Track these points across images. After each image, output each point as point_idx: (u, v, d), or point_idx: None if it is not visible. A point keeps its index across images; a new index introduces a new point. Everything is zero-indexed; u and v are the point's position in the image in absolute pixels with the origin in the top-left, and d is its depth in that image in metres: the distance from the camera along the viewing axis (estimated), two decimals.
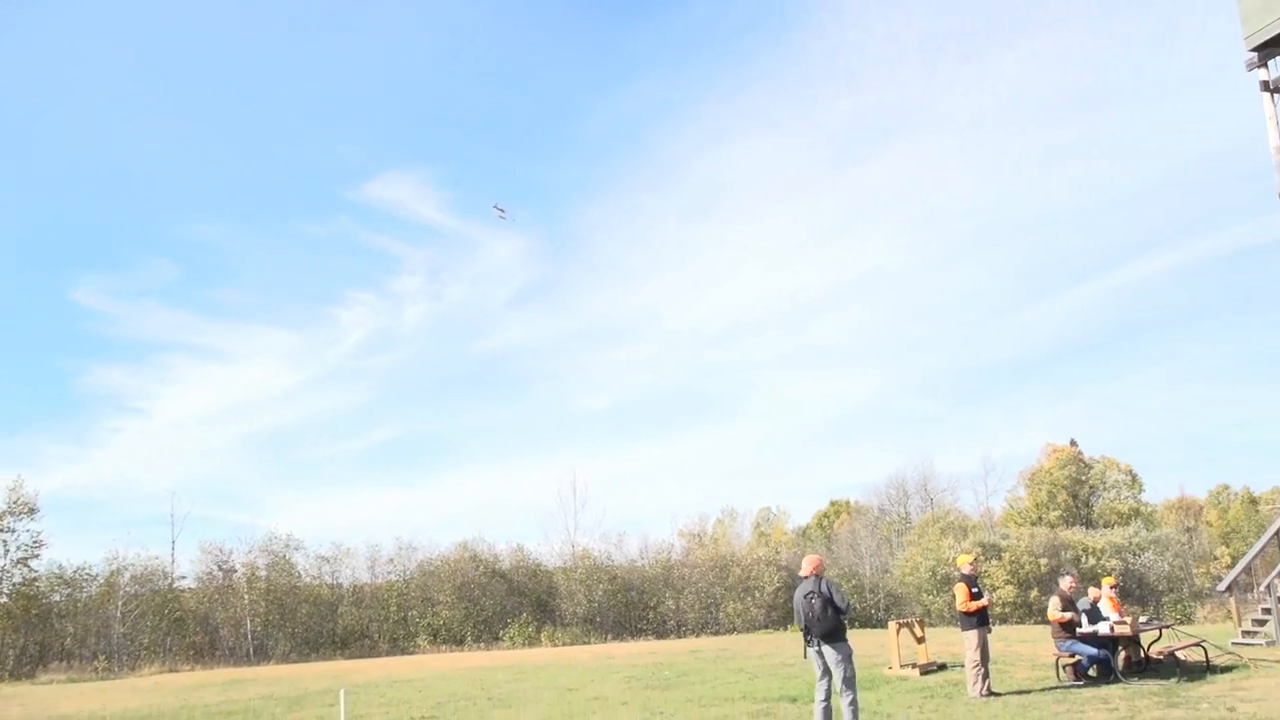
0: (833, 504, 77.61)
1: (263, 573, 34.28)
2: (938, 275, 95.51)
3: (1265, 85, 20.68)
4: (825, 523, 74.23)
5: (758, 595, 36.18)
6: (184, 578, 34.82)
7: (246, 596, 33.23)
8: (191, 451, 72.99)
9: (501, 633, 33.93)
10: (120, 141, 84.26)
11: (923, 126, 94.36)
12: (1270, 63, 20.77)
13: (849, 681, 9.45)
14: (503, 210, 37.03)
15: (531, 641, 33.06)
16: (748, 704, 13.11)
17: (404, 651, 32.53)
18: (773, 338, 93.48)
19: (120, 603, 31.72)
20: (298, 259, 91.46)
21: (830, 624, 9.51)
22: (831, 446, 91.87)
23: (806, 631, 9.69)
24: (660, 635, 34.75)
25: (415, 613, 34.64)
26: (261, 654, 32.14)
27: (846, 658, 9.52)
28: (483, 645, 32.96)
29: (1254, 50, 20.65)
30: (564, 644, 32.37)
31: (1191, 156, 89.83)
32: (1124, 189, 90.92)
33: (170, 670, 28.32)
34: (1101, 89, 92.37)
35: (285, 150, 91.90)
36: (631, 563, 38.87)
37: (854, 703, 9.42)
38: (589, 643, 32.62)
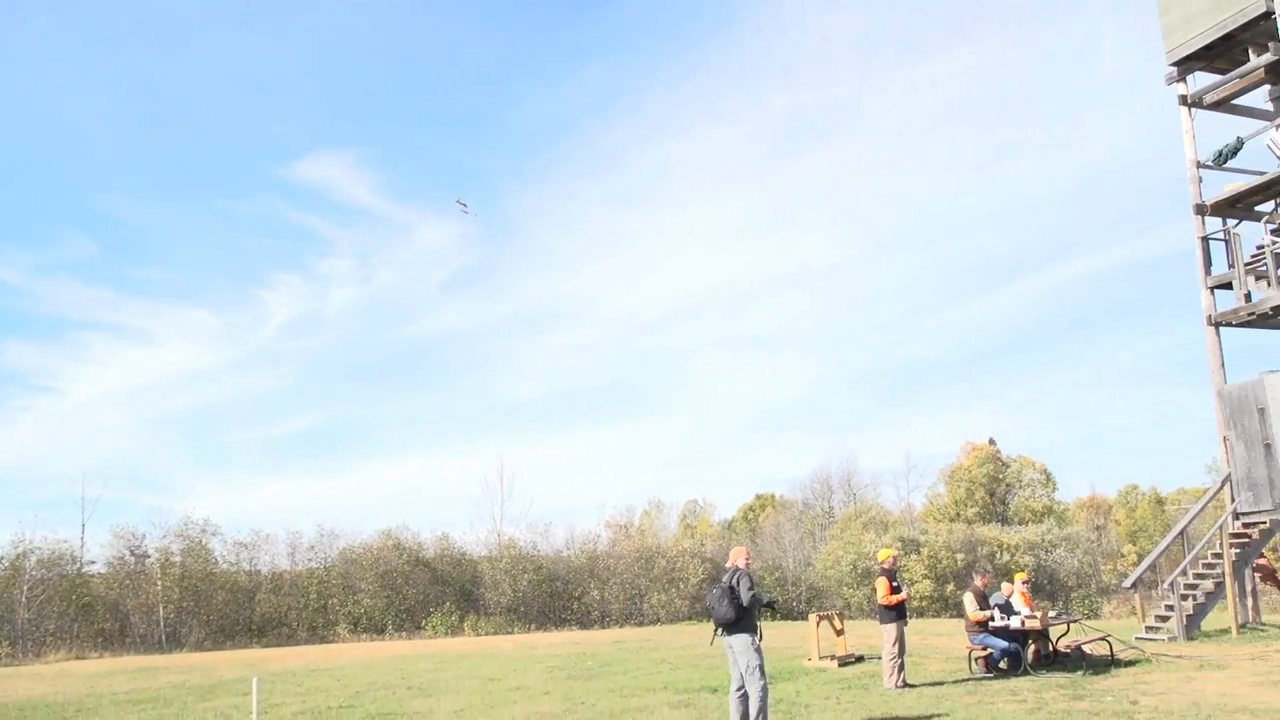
0: (758, 497, 78.44)
1: (177, 558, 33.41)
2: (870, 271, 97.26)
3: (1183, 99, 21.40)
4: (751, 516, 74.97)
5: (682, 587, 36.41)
6: (94, 562, 33.79)
7: (160, 583, 32.35)
8: (105, 433, 70.95)
9: (424, 622, 33.60)
10: (36, 110, 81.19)
11: (857, 125, 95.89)
12: (1188, 77, 21.50)
13: (749, 670, 9.44)
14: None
15: (454, 631, 32.81)
16: (669, 694, 13.17)
17: (323, 640, 32.01)
18: (707, 327, 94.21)
19: (26, 587, 30.62)
20: (222, 237, 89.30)
21: (726, 614, 9.47)
22: (760, 440, 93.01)
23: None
24: (584, 626, 34.76)
25: (336, 601, 34.10)
26: (174, 642, 31.34)
27: (745, 649, 9.48)
28: (404, 634, 32.60)
29: (1174, 65, 21.34)
30: (487, 633, 32.20)
31: (1114, 164, 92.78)
32: (1049, 194, 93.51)
33: (77, 657, 27.47)
34: (1030, 96, 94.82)
35: (212, 124, 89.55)
36: (557, 553, 38.81)
37: (758, 689, 9.37)
38: (512, 632, 32.50)
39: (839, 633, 16.74)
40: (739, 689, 9.58)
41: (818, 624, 16.58)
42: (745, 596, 9.50)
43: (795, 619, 34.32)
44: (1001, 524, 49.53)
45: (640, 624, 34.79)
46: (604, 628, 33.82)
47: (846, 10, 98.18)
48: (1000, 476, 61.56)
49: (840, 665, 15.57)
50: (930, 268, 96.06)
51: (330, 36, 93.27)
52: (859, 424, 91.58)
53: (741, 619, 9.54)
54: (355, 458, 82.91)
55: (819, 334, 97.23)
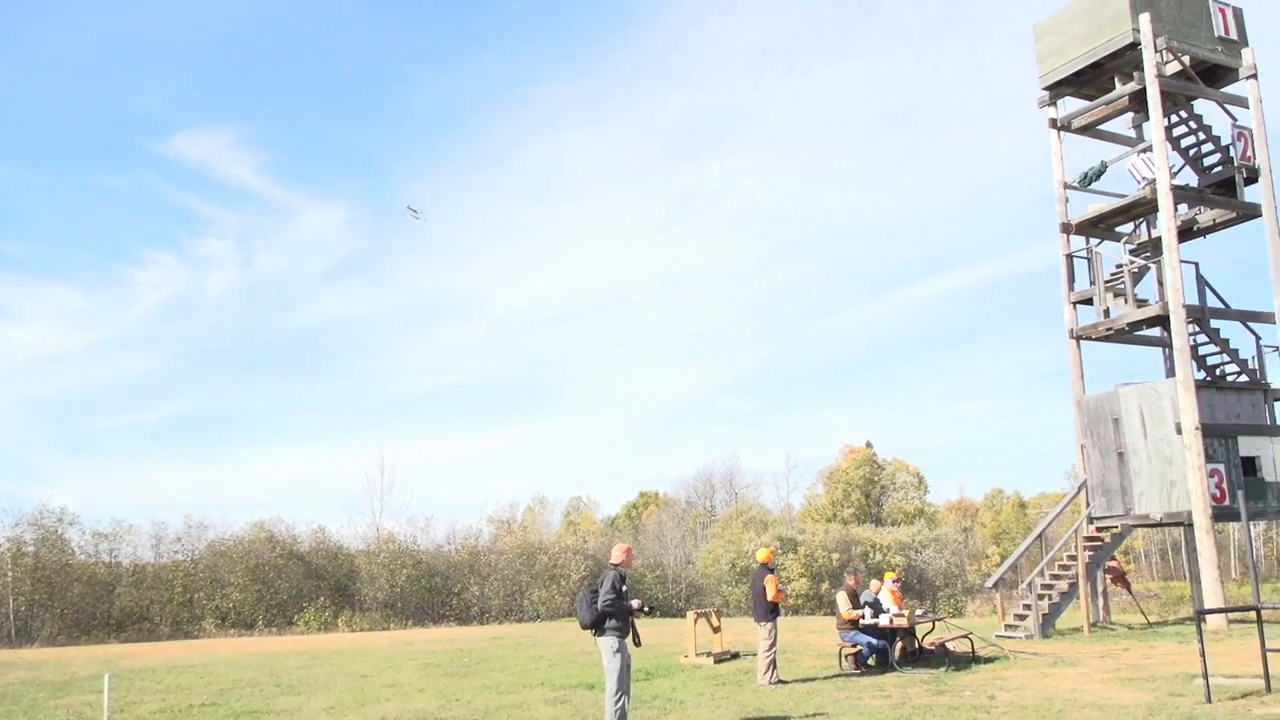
0: (642, 495, 79.16)
1: (30, 548, 31.63)
2: (762, 275, 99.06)
3: (1053, 123, 22.47)
4: (634, 513, 75.63)
5: (563, 583, 36.36)
6: None
7: (10, 573, 30.60)
8: None
9: (296, 617, 32.66)
10: None
11: (752, 130, 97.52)
12: (1059, 102, 22.59)
13: (606, 673, 9.46)
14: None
15: (328, 626, 32.00)
16: (545, 690, 13.15)
17: (188, 635, 30.79)
18: (598, 326, 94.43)
19: None
20: (90, 211, 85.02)
21: (585, 618, 9.48)
22: (646, 439, 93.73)
23: None
24: (463, 622, 34.38)
25: (202, 595, 32.82)
26: (25, 636, 29.67)
27: (604, 652, 9.49)
28: (275, 630, 31.63)
29: (1046, 89, 22.38)
30: (362, 629, 31.52)
31: (995, 180, 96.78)
32: (933, 207, 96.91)
33: None
34: (917, 111, 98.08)
35: (84, 92, 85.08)
36: (438, 548, 38.26)
37: (610, 692, 9.36)
38: (388, 628, 31.90)
39: (716, 630, 17.00)
40: None
41: (695, 621, 16.78)
42: (601, 601, 9.41)
43: (675, 616, 34.70)
44: (875, 524, 51.12)
45: (520, 620, 34.61)
46: (483, 624, 33.52)
47: (743, 16, 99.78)
48: (876, 479, 63.58)
49: (716, 662, 15.80)
50: (819, 274, 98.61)
51: (212, 4, 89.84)
52: (744, 425, 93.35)
53: (600, 622, 9.46)
54: (230, 447, 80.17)
55: (709, 336, 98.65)
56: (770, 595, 13.46)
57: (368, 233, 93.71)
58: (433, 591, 35.86)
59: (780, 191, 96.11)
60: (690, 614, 17.13)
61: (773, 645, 13.23)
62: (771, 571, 13.76)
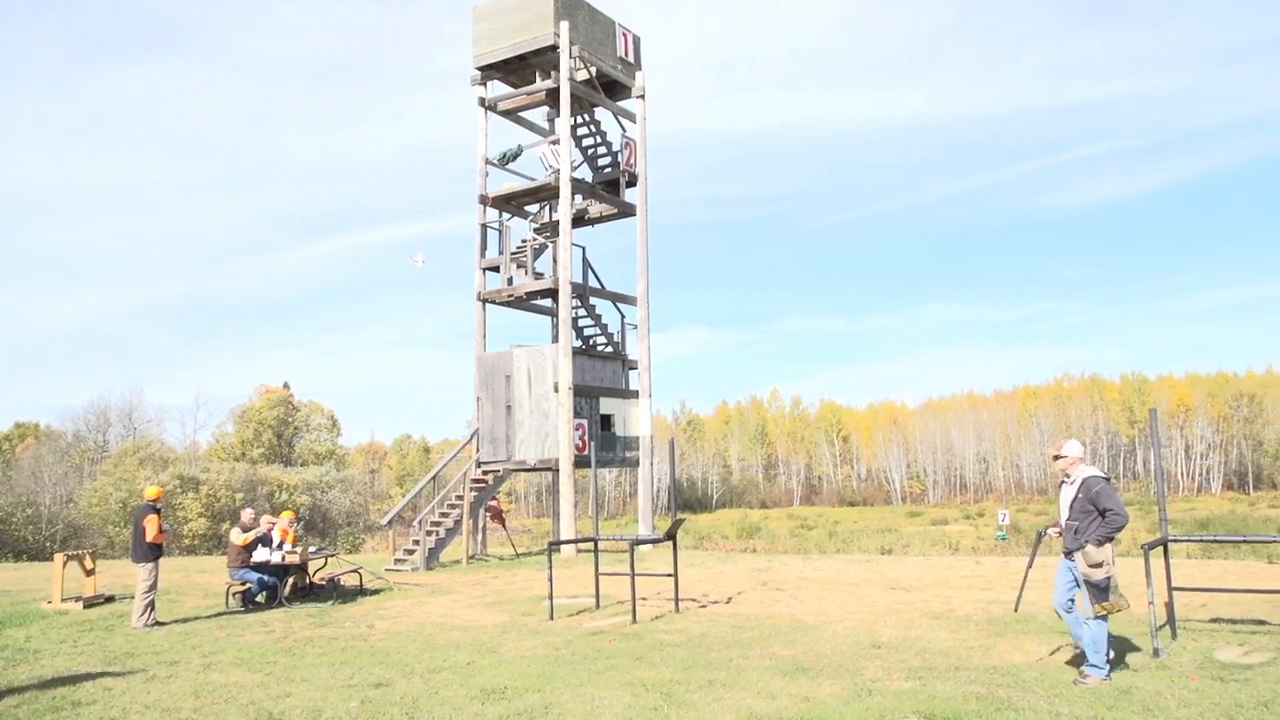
0: (18, 426, 70.13)
1: None
2: (188, 205, 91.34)
3: (482, 102, 24.42)
4: (6, 446, 66.88)
5: None
6: None
7: None
8: None
9: None
10: None
11: (194, 48, 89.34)
12: (489, 84, 24.58)
13: None
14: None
15: None
16: None
17: None
18: None
19: None
20: None
21: None
22: (28, 365, 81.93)
23: None
24: None
25: None
26: None
27: None
28: None
29: (478, 69, 24.22)
30: None
31: (432, 144, 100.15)
32: (375, 160, 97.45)
33: None
34: (368, 65, 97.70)
35: None
36: None
37: None
38: None
39: (90, 573, 15.97)
40: None
41: (64, 564, 15.61)
42: None
43: (47, 559, 31.31)
44: (285, 465, 50.85)
45: None
46: None
47: None
48: (290, 420, 63.04)
49: (86, 607, 14.91)
50: (253, 211, 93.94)
51: None
52: (151, 357, 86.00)
53: None
54: None
55: (120, 258, 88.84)
56: (150, 535, 13.12)
57: None
58: None
59: (223, 120, 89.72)
60: (58, 556, 15.87)
61: (152, 587, 12.94)
62: (156, 511, 13.40)
